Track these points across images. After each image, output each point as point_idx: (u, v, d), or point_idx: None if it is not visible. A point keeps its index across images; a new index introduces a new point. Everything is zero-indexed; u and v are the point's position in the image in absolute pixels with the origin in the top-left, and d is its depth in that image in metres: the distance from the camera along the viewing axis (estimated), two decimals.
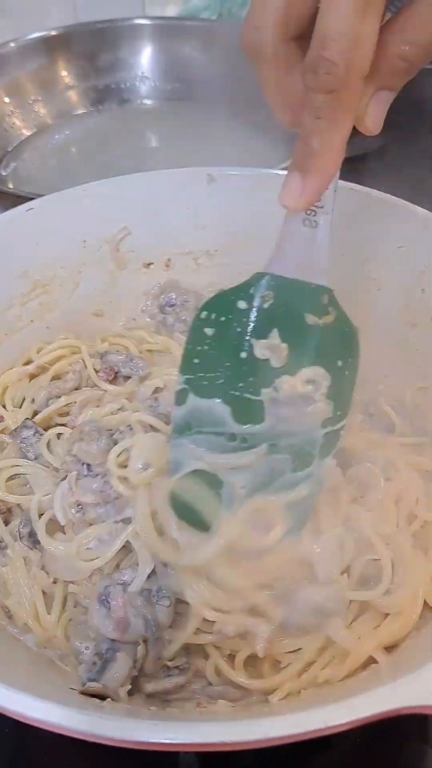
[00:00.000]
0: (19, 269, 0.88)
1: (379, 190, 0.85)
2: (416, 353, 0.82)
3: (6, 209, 0.89)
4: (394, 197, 0.83)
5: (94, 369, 0.85)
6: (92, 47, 1.58)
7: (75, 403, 0.81)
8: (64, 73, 1.57)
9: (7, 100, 1.48)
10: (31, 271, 0.89)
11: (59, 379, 0.85)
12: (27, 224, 0.87)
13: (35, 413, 0.82)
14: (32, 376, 0.87)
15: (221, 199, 0.90)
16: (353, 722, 0.43)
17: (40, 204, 0.88)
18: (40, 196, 0.90)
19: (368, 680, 0.58)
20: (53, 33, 1.54)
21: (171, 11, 2.01)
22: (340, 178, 0.57)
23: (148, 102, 1.61)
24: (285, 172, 0.87)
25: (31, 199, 0.89)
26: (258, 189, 0.89)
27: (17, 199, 1.04)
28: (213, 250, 0.94)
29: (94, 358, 0.86)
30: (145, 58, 1.62)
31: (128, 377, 0.85)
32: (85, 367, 0.86)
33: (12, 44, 1.49)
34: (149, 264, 0.94)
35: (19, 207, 0.87)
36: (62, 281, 0.91)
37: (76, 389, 0.84)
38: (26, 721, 0.45)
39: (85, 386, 0.85)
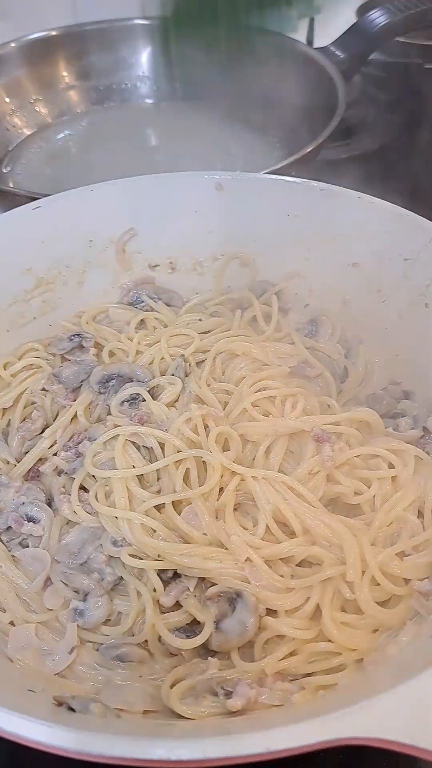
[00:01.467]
0: (23, 266, 0.87)
1: (378, 191, 0.86)
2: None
3: (7, 208, 0.88)
4: (401, 208, 0.83)
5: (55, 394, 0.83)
6: (92, 47, 1.57)
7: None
8: (64, 73, 1.56)
9: (7, 99, 1.47)
10: (35, 269, 0.88)
11: (26, 418, 0.82)
12: (33, 222, 0.87)
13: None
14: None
15: (229, 203, 0.91)
16: (294, 749, 0.43)
17: (47, 202, 0.88)
18: (41, 195, 0.90)
19: (322, 703, 0.57)
20: (53, 33, 1.53)
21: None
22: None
23: (148, 102, 1.61)
24: (292, 179, 0.89)
25: (33, 198, 0.89)
26: (265, 195, 0.89)
27: (18, 198, 1.03)
28: (219, 254, 0.94)
29: (53, 384, 0.83)
30: (145, 58, 1.61)
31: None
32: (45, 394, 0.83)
33: (12, 44, 1.47)
34: (155, 266, 0.95)
35: (26, 205, 0.87)
36: (66, 280, 0.91)
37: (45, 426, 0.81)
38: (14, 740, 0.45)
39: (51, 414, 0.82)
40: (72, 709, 0.58)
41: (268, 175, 0.92)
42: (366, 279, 0.87)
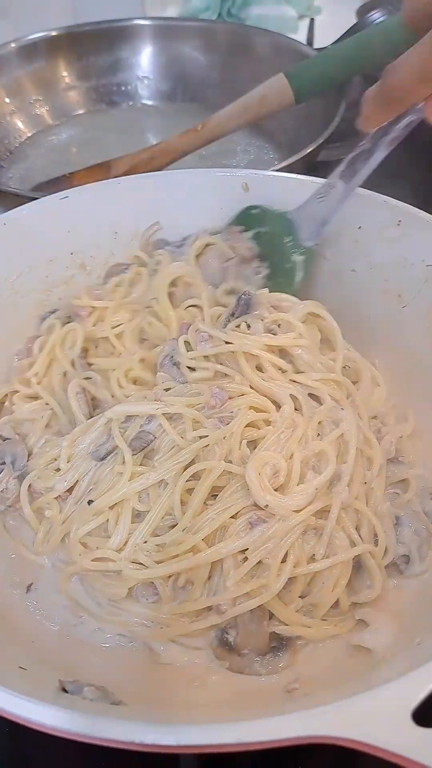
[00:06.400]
0: (47, 256, 0.88)
1: (384, 192, 0.86)
2: None
3: (7, 209, 0.88)
4: (425, 213, 0.83)
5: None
6: (93, 48, 1.58)
7: None
8: (64, 74, 1.57)
9: (7, 100, 1.48)
10: (58, 258, 0.89)
11: None
12: (60, 212, 0.88)
13: None
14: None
15: (254, 202, 0.91)
16: (266, 743, 0.43)
17: (74, 193, 0.88)
18: (41, 196, 0.90)
19: (299, 700, 0.58)
20: (54, 33, 1.53)
21: (171, 12, 2.02)
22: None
23: (148, 102, 1.62)
24: (318, 180, 0.88)
25: (33, 199, 0.89)
26: (288, 195, 0.89)
27: (18, 200, 1.03)
28: None
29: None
30: (145, 58, 1.62)
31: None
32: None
33: (12, 45, 1.48)
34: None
35: (54, 194, 0.88)
36: (90, 270, 0.92)
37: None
38: (23, 723, 0.46)
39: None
40: (65, 691, 0.58)
41: (294, 175, 0.92)
42: (386, 283, 0.87)
